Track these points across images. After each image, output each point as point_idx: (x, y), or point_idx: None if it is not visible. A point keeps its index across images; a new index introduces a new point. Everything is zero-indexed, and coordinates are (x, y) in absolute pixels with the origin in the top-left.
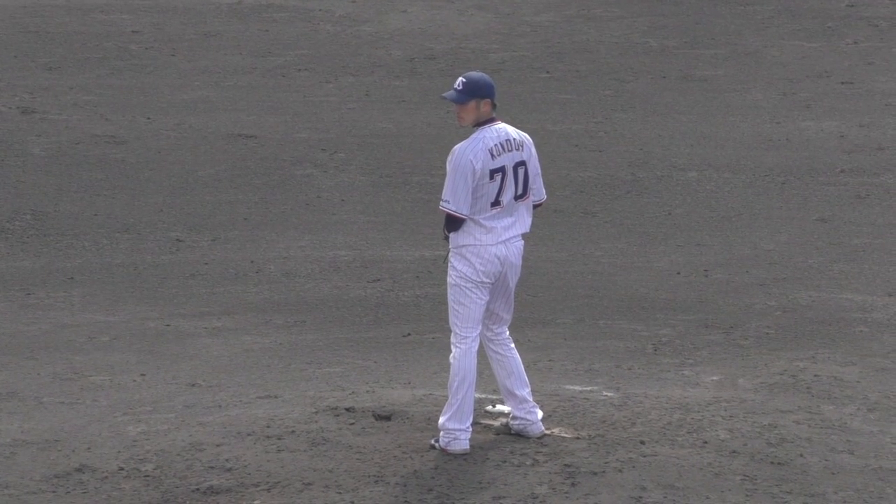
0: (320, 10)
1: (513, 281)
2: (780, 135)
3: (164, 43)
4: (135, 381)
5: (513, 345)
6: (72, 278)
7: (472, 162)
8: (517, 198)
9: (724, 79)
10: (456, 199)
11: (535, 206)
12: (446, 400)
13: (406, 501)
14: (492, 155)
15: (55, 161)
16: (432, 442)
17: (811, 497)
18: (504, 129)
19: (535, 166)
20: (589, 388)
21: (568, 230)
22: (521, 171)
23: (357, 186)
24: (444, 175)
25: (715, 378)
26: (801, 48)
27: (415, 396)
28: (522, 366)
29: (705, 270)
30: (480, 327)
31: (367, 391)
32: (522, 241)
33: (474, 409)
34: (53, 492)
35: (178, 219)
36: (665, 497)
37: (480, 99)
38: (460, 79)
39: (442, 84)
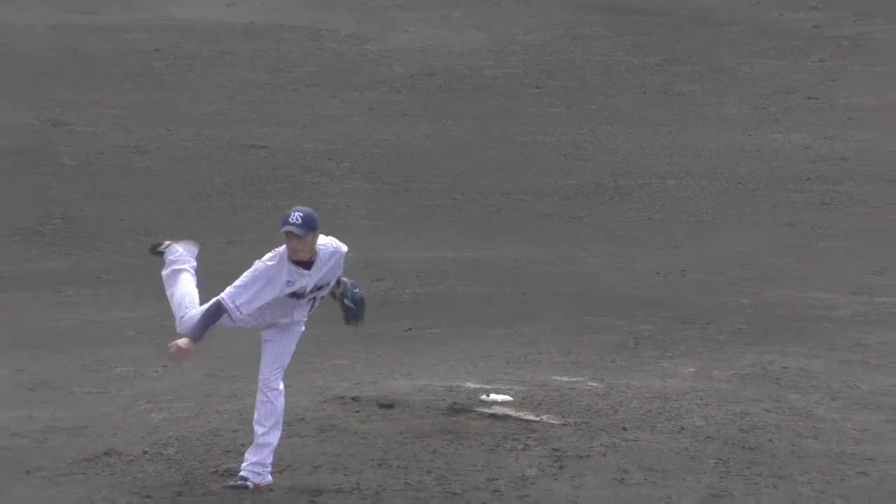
0: (327, 29)
1: None
2: (752, 146)
3: (182, 60)
4: (157, 372)
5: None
6: (99, 278)
7: None
8: None
9: (701, 94)
10: None
11: None
12: (445, 390)
13: (407, 483)
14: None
15: (83, 170)
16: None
17: (779, 479)
18: None
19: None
20: (575, 379)
21: (556, 233)
22: None
23: (361, 193)
24: (443, 181)
25: (691, 370)
26: (770, 66)
27: (415, 386)
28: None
29: (683, 270)
30: None
31: (372, 382)
32: None
33: (471, 398)
34: (83, 474)
35: (196, 223)
36: (645, 479)
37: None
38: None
39: (440, 99)
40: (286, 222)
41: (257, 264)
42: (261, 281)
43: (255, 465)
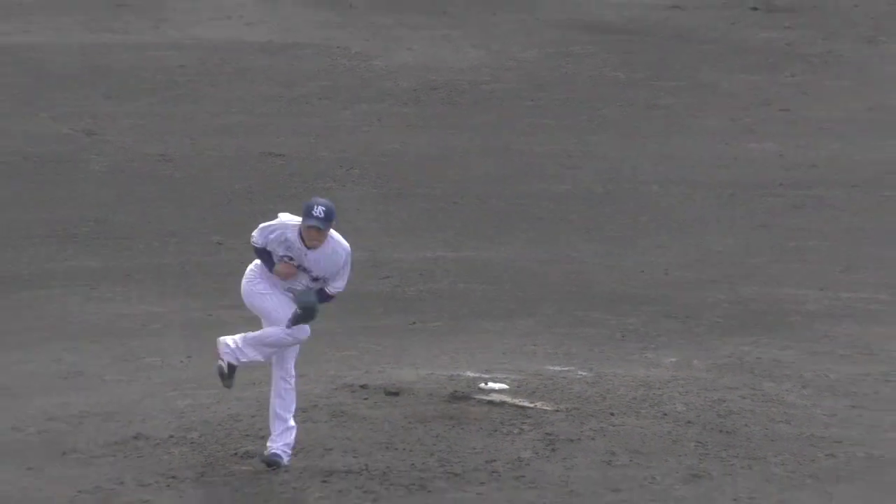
0: (338, 47)
1: None
2: (729, 154)
3: (205, 76)
4: (182, 362)
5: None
6: (129, 276)
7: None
8: None
9: (682, 107)
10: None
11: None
12: (446, 379)
13: (412, 464)
14: None
15: (114, 176)
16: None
17: (754, 460)
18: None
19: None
20: (566, 369)
21: (549, 235)
22: None
23: (370, 198)
24: (445, 186)
25: (673, 360)
26: (746, 81)
27: (419, 375)
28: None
29: (665, 269)
30: None
31: (379, 371)
32: None
33: (471, 387)
34: (114, 456)
35: (218, 225)
36: (631, 460)
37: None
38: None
39: (442, 112)
40: (310, 215)
41: (281, 216)
42: (274, 225)
43: (286, 446)
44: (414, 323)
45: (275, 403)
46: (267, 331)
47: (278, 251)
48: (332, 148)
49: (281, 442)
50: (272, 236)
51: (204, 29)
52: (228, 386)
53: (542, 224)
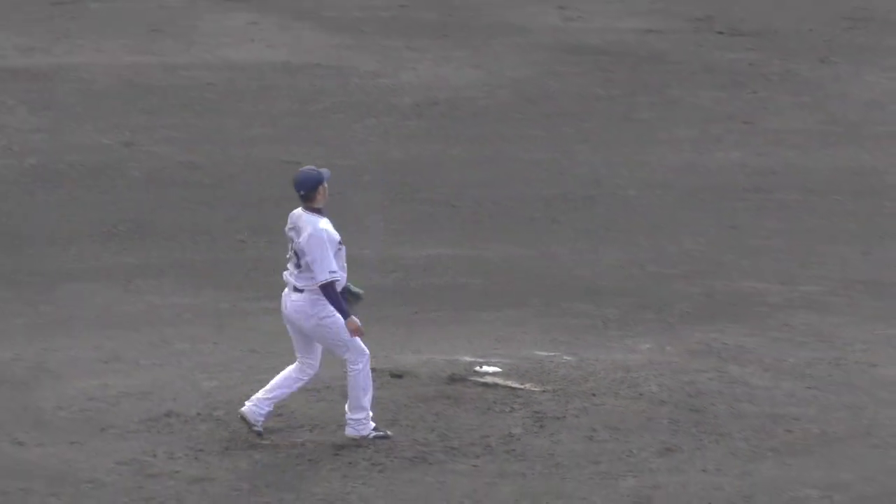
0: (351, 67)
1: (305, 332)
2: (698, 162)
3: (231, 92)
4: (209, 348)
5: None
6: (162, 270)
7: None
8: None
9: (656, 119)
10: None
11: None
12: (445, 363)
13: (414, 439)
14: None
15: (150, 182)
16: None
17: (720, 436)
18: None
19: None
20: (553, 354)
21: (538, 234)
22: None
23: (377, 201)
24: (444, 191)
25: (648, 346)
26: (713, 96)
27: (421, 360)
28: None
29: (642, 265)
30: (300, 357)
31: (385, 356)
32: (299, 296)
33: (467, 370)
34: (147, 431)
35: (242, 226)
36: (611, 436)
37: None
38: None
39: (443, 124)
40: (325, 176)
41: (317, 235)
42: (327, 243)
43: (262, 416)
44: (416, 313)
45: (290, 377)
46: (357, 383)
47: (337, 236)
48: (344, 157)
49: (265, 409)
50: (335, 237)
51: (230, 51)
52: (388, 435)
53: (531, 225)
